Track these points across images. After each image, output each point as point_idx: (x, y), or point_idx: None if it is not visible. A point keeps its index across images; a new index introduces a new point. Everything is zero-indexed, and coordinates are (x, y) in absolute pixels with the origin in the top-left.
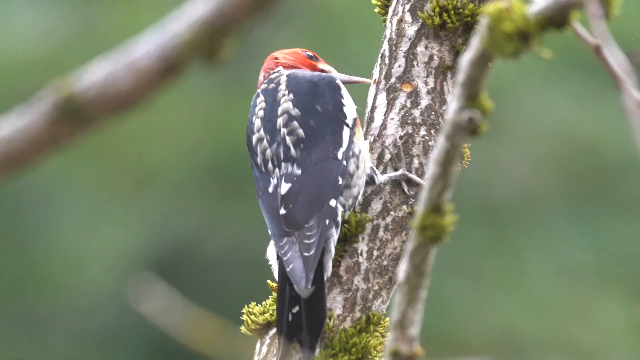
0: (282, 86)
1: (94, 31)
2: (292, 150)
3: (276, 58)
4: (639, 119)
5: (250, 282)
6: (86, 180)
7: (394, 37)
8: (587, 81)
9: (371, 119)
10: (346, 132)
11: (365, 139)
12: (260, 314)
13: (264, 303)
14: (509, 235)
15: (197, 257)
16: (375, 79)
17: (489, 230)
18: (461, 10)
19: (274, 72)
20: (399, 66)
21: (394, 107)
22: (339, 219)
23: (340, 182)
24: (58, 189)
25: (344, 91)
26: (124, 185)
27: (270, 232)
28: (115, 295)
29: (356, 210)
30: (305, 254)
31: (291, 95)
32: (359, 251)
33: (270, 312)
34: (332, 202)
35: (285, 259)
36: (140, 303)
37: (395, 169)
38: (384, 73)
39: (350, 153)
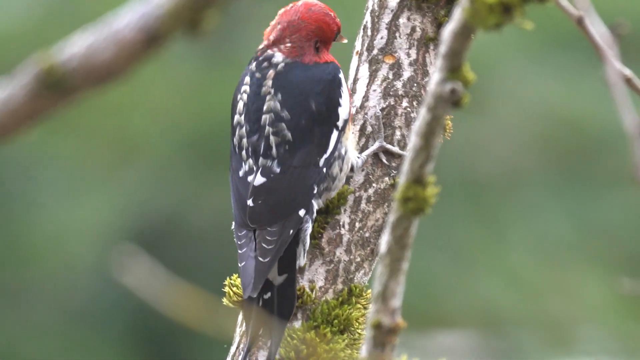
0: (269, 82)
1: (76, 3)
2: (275, 150)
3: (304, 25)
4: (621, 90)
5: (233, 257)
6: (68, 154)
7: (376, 8)
8: (570, 57)
9: (353, 91)
10: (334, 135)
11: (350, 115)
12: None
13: None
14: (490, 211)
15: (180, 231)
16: (357, 51)
17: (470, 205)
18: None
19: (269, 54)
20: (381, 38)
21: (376, 79)
22: (314, 215)
23: (315, 190)
24: (40, 162)
25: (345, 88)
26: (106, 158)
27: (233, 215)
28: (97, 269)
29: None
30: (261, 259)
31: (279, 96)
32: (341, 223)
33: None
34: (301, 212)
35: (240, 252)
36: (122, 275)
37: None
38: (366, 45)
39: (337, 155)
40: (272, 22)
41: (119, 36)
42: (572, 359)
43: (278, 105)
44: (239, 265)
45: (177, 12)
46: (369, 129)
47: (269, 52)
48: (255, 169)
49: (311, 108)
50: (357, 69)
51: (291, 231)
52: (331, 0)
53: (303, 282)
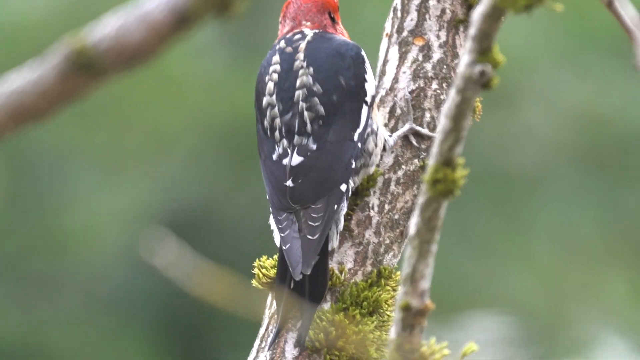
0: (301, 55)
1: None
2: (309, 125)
3: (312, 3)
4: None
5: (264, 247)
6: (101, 143)
7: None
8: (600, 55)
9: (383, 73)
10: (364, 110)
11: (377, 93)
12: (271, 267)
13: (275, 257)
14: (517, 205)
15: (212, 221)
16: (387, 33)
17: (498, 199)
18: None
19: (297, 34)
20: (411, 20)
21: (405, 61)
22: (350, 193)
23: (354, 165)
24: (72, 151)
25: (368, 65)
26: (139, 148)
27: (269, 200)
28: (128, 258)
29: None
30: (309, 236)
31: (311, 69)
32: (370, 205)
33: None
34: (343, 187)
35: (283, 235)
36: (151, 257)
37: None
38: (396, 26)
39: (369, 131)
40: (280, 21)
41: (149, 18)
42: (595, 355)
43: (310, 80)
44: (284, 247)
45: None
46: (399, 111)
47: (296, 30)
48: (290, 149)
49: (341, 83)
50: (387, 51)
51: (335, 206)
52: None
53: (332, 264)
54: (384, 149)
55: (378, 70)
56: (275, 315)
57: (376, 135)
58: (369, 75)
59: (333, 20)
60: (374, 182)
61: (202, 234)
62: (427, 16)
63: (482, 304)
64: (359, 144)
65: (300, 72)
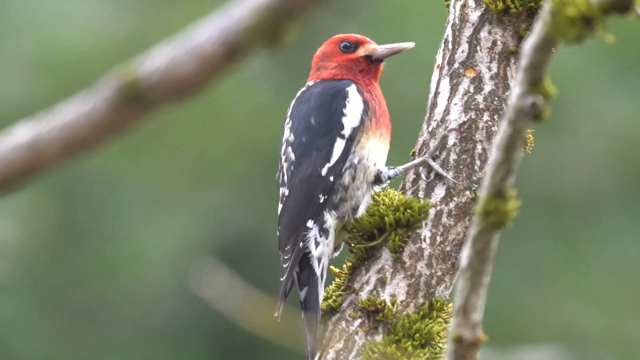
0: (289, 112)
1: (157, 22)
2: (285, 176)
3: (318, 61)
4: None
5: None
6: (149, 173)
7: (457, 22)
8: None
9: (434, 105)
10: (339, 144)
11: (429, 124)
12: (323, 299)
13: (326, 289)
14: (570, 231)
15: (260, 249)
16: (439, 64)
17: (551, 225)
18: None
19: (303, 87)
20: (462, 51)
21: (457, 93)
22: (326, 226)
23: (322, 199)
24: (121, 180)
25: (352, 100)
26: (186, 178)
27: None
28: (178, 287)
29: (419, 196)
30: (280, 277)
31: (290, 123)
32: (422, 237)
33: (333, 297)
34: (309, 223)
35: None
36: (201, 288)
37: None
38: (447, 58)
39: (348, 165)
40: None
41: (199, 50)
42: None
43: (288, 132)
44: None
45: (257, 26)
46: (451, 141)
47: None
48: (279, 200)
49: (311, 123)
50: (438, 83)
51: (301, 244)
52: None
53: (384, 296)
54: (380, 180)
55: (429, 102)
56: (322, 345)
57: (355, 169)
58: (349, 109)
59: (320, 69)
60: (426, 214)
61: (251, 262)
62: (478, 48)
63: (536, 334)
64: (330, 178)
65: (286, 127)
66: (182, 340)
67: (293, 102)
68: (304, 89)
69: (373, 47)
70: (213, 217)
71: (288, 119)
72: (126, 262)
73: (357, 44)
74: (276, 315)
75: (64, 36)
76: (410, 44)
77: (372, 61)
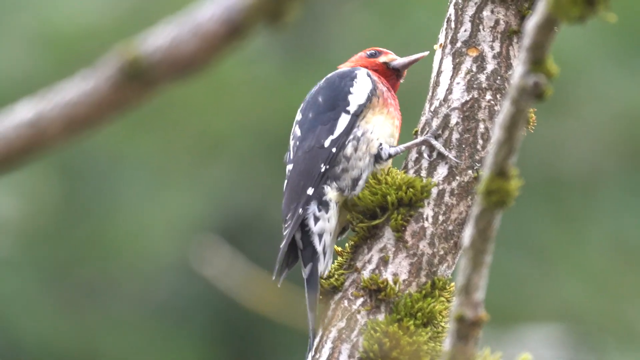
0: (307, 97)
1: (159, 0)
2: (292, 152)
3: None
4: None
5: None
6: (151, 151)
7: (460, 1)
8: None
9: (437, 84)
10: (344, 118)
11: (431, 104)
12: (325, 278)
13: (330, 268)
14: (571, 210)
15: (262, 225)
16: (441, 44)
17: (552, 204)
18: None
19: None
20: (465, 30)
21: (459, 72)
22: (326, 198)
23: (324, 169)
24: (124, 157)
25: (361, 81)
26: (189, 155)
27: None
28: (179, 264)
29: (422, 175)
30: (281, 245)
31: (302, 106)
32: (424, 216)
33: (335, 276)
34: (309, 191)
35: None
36: (203, 265)
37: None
38: (449, 37)
39: (352, 137)
40: None
41: (202, 28)
42: None
43: (299, 115)
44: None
45: (259, 4)
46: (454, 120)
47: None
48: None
49: (318, 101)
50: (441, 62)
51: (301, 210)
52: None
53: (386, 275)
54: (380, 157)
55: (432, 81)
56: (324, 324)
57: (358, 141)
58: (356, 88)
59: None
60: (428, 194)
61: (253, 240)
62: (480, 27)
63: (537, 313)
64: (333, 149)
65: (298, 112)
66: (183, 318)
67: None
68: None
69: (392, 57)
70: (215, 195)
71: (302, 104)
72: (128, 239)
73: (380, 53)
74: (274, 280)
75: (65, 12)
76: (424, 53)
77: (389, 68)
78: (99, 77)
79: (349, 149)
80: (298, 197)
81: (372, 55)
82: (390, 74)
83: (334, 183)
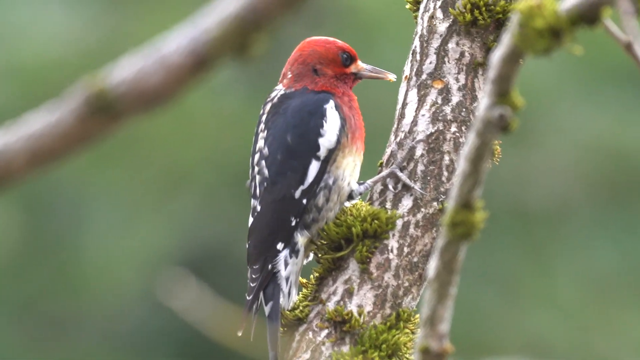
0: (263, 118)
1: (126, 32)
2: (258, 189)
3: (314, 59)
4: None
5: None
6: (117, 183)
7: (425, 33)
8: (619, 90)
9: (402, 116)
10: (314, 166)
11: (396, 135)
12: (290, 310)
13: (294, 300)
14: (538, 243)
15: (228, 259)
16: (406, 76)
17: (519, 237)
18: (492, 6)
19: (273, 91)
20: (430, 63)
21: (424, 104)
22: (298, 246)
23: (294, 222)
24: (89, 190)
25: (330, 119)
26: (155, 188)
27: None
28: (145, 297)
29: (386, 206)
30: (247, 296)
31: (266, 132)
32: (389, 248)
33: (300, 308)
34: (279, 245)
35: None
36: (170, 298)
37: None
38: (415, 69)
39: (322, 185)
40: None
41: (167, 60)
42: None
43: (263, 143)
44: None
45: (225, 36)
46: (419, 152)
47: (272, 92)
48: (251, 209)
49: (287, 141)
50: (406, 94)
51: (270, 266)
52: (380, 33)
53: (351, 307)
54: (351, 197)
55: (397, 113)
56: (288, 355)
57: (330, 190)
58: (326, 129)
59: (316, 72)
60: (393, 225)
61: (219, 272)
62: (446, 59)
63: (504, 345)
64: (303, 201)
65: (260, 135)
66: (150, 350)
67: (268, 107)
68: (281, 92)
69: (361, 65)
70: (182, 227)
71: (263, 126)
72: (94, 272)
73: (352, 59)
74: (239, 334)
75: (32, 45)
76: (392, 76)
77: (356, 77)
78: (64, 109)
79: (320, 199)
80: (267, 250)
81: (345, 61)
82: (354, 80)
83: (305, 231)
